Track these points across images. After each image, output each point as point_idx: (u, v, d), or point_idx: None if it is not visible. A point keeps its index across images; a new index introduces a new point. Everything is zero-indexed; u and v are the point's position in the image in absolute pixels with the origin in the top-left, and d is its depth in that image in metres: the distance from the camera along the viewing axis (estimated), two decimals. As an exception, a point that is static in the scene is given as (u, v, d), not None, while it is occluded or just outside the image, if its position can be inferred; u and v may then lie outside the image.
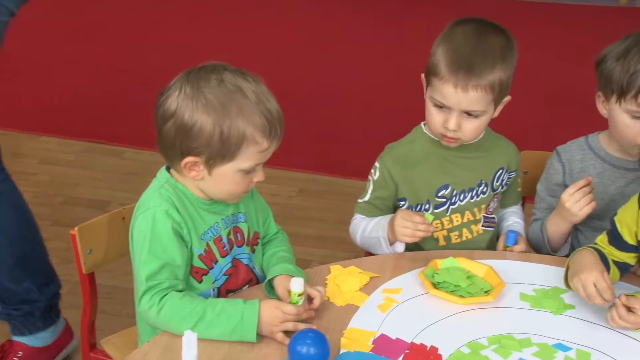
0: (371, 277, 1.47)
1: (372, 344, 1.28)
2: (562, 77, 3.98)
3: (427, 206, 1.63)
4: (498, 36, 1.54)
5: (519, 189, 1.78)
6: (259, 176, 1.37)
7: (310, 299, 1.34)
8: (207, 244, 1.39)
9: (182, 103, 1.30)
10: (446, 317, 1.36)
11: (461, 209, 1.65)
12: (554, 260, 1.56)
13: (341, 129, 3.55)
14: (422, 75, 1.59)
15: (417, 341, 1.29)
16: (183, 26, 4.78)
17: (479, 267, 1.49)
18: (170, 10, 5.02)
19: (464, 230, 1.67)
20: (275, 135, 1.33)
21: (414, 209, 1.62)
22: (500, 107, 1.58)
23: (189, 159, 1.32)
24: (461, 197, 1.64)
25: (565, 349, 1.30)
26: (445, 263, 1.49)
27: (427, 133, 1.63)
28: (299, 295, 1.29)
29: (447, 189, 1.63)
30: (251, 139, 1.31)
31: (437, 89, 1.52)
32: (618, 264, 1.44)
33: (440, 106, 1.54)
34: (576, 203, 1.55)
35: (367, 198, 1.66)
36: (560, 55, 4.33)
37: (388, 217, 1.57)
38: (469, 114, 1.53)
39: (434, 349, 1.28)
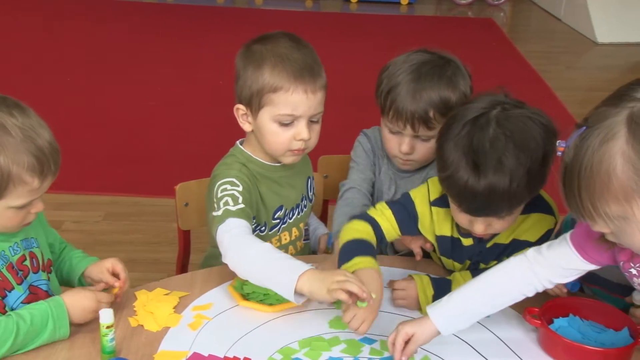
0: (180, 297, 1.44)
1: (184, 364, 1.26)
2: (356, 83, 4.19)
3: (263, 228, 1.62)
4: (307, 47, 1.54)
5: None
6: (36, 207, 1.31)
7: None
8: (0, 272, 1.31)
9: None
10: (257, 327, 1.37)
11: (289, 227, 1.66)
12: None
13: (144, 148, 3.47)
14: (240, 105, 1.52)
15: (230, 355, 1.29)
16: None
17: None
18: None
19: (290, 247, 1.69)
20: (49, 171, 1.27)
21: (257, 229, 1.60)
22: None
23: None
24: (290, 215, 1.66)
25: (370, 342, 1.36)
26: None
27: (251, 155, 1.58)
28: (108, 327, 1.24)
29: (281, 210, 1.63)
30: (18, 179, 1.24)
31: (283, 103, 1.47)
32: None
33: (287, 123, 1.49)
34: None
35: (241, 205, 1.46)
36: (353, 63, 4.56)
37: (297, 262, 1.35)
38: (312, 120, 1.51)
39: (247, 360, 1.29)
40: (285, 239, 1.67)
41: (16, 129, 1.22)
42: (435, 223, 1.52)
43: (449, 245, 1.53)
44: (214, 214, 1.46)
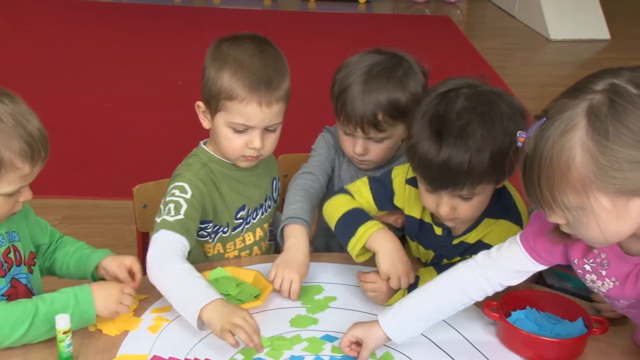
0: (140, 300, 1.43)
1: (144, 367, 1.25)
2: (316, 81, 4.20)
3: (225, 229, 1.61)
4: (273, 47, 1.54)
5: None
6: (25, 195, 1.31)
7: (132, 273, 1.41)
8: None
9: None
10: (218, 328, 1.37)
11: (253, 227, 1.66)
12: (325, 257, 1.64)
13: (102, 150, 3.42)
14: (200, 103, 1.53)
15: (191, 357, 1.29)
16: None
17: (247, 273, 1.51)
18: None
19: (255, 248, 1.68)
20: (39, 157, 1.28)
21: (220, 231, 1.60)
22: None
23: None
24: (254, 216, 1.65)
25: (331, 339, 1.37)
26: (214, 274, 1.50)
27: (213, 154, 1.57)
28: (65, 332, 1.23)
29: (244, 209, 1.62)
30: (10, 164, 1.24)
31: (237, 112, 1.47)
32: None
33: (241, 130, 1.48)
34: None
35: (181, 216, 1.45)
36: (312, 61, 4.56)
37: (210, 290, 1.33)
38: (268, 129, 1.51)
39: (208, 362, 1.28)
40: (250, 240, 1.67)
41: (7, 115, 1.24)
42: (406, 202, 1.53)
43: (416, 228, 1.54)
44: (156, 219, 1.46)
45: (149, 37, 4.99)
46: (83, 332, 1.32)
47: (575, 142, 1.00)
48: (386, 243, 1.44)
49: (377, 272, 1.45)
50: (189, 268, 1.38)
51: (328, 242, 1.79)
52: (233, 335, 1.25)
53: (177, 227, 1.43)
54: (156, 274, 1.38)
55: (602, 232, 1.06)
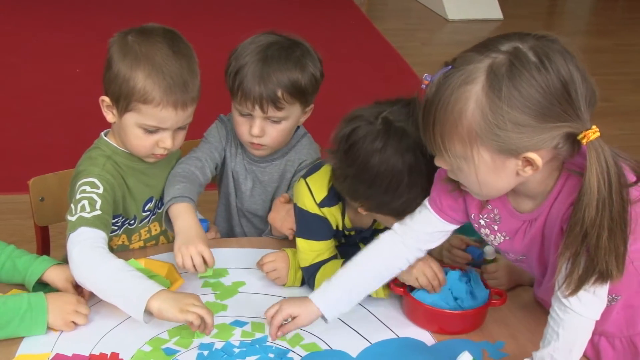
0: (40, 297, 1.38)
1: (47, 366, 1.21)
2: (212, 65, 4.15)
3: (132, 222, 1.57)
4: (184, 44, 1.49)
5: None
6: None
7: None
8: None
9: None
10: (124, 320, 1.34)
11: (159, 217, 1.62)
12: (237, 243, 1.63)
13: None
14: (106, 98, 1.46)
15: (96, 352, 1.26)
16: None
17: (161, 265, 1.48)
18: None
19: (161, 237, 1.65)
20: None
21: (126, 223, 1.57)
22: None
23: None
24: (159, 206, 1.61)
25: (241, 324, 1.37)
26: None
27: (117, 146, 1.52)
28: None
29: (151, 201, 1.59)
30: None
31: (151, 115, 1.43)
32: None
33: (152, 131, 1.45)
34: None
35: (98, 211, 1.40)
36: (211, 45, 4.50)
37: (150, 282, 1.32)
38: (180, 127, 1.47)
39: (114, 355, 1.25)
40: (156, 230, 1.64)
41: None
42: (338, 221, 1.50)
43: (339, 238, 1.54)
44: (69, 218, 1.40)
45: (41, 24, 4.77)
46: (-21, 333, 1.26)
47: (471, 95, 1.05)
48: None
49: (275, 251, 1.49)
50: (123, 263, 1.34)
51: (232, 227, 1.78)
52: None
53: (96, 222, 1.39)
54: (88, 272, 1.33)
55: (479, 183, 1.12)
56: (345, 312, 1.35)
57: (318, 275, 1.45)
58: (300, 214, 1.49)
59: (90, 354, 1.25)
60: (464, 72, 1.06)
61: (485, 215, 1.27)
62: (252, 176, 1.71)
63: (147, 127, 1.45)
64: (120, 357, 1.25)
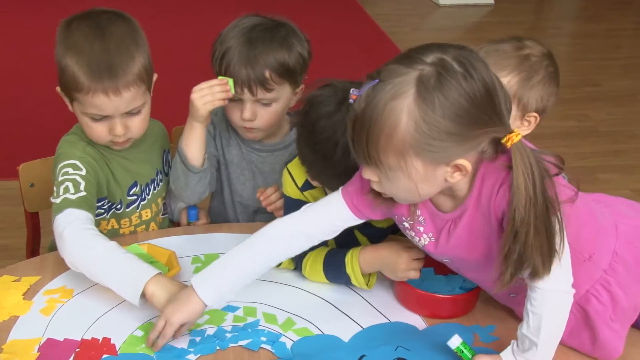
0: (31, 283, 1.38)
1: (38, 351, 1.21)
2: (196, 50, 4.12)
3: (119, 206, 1.57)
4: (121, 25, 1.45)
5: None
6: None
7: None
8: None
9: None
10: (116, 305, 1.34)
11: (149, 203, 1.62)
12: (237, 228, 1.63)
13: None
14: (58, 89, 1.46)
15: (88, 336, 1.26)
16: None
17: (163, 252, 1.48)
18: None
19: (152, 223, 1.65)
20: None
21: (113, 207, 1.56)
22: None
23: None
24: (147, 191, 1.60)
25: (233, 309, 1.37)
26: (129, 250, 1.44)
27: None
28: None
29: (136, 186, 1.58)
30: None
31: (87, 103, 1.40)
32: None
33: (99, 119, 1.43)
34: (201, 98, 1.49)
35: (82, 193, 1.40)
36: (196, 31, 4.47)
37: (143, 264, 1.33)
38: (131, 112, 1.44)
39: (106, 340, 1.25)
40: (147, 216, 1.63)
41: None
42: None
43: None
44: (53, 200, 1.39)
45: (31, 9, 4.72)
46: (-30, 319, 1.26)
47: (403, 108, 1.05)
48: (374, 257, 1.39)
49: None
50: (116, 244, 1.33)
51: (227, 218, 1.78)
52: None
53: (82, 203, 1.38)
54: (81, 253, 1.31)
55: (407, 192, 1.13)
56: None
57: (306, 261, 1.45)
58: (286, 202, 1.50)
59: (82, 339, 1.25)
60: (392, 86, 1.06)
61: (409, 218, 1.26)
62: (251, 166, 1.70)
63: (91, 115, 1.42)
64: (112, 342, 1.25)
